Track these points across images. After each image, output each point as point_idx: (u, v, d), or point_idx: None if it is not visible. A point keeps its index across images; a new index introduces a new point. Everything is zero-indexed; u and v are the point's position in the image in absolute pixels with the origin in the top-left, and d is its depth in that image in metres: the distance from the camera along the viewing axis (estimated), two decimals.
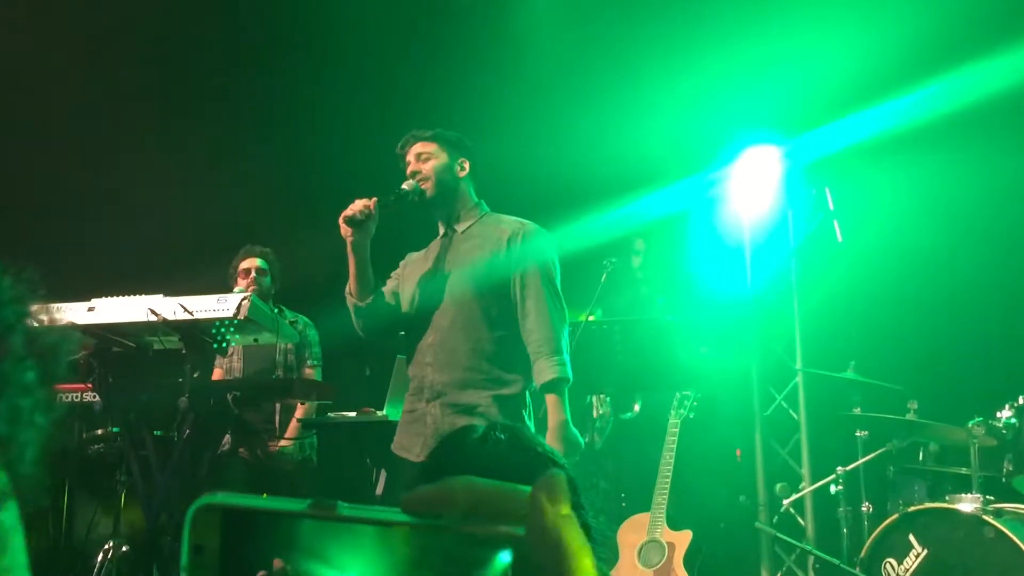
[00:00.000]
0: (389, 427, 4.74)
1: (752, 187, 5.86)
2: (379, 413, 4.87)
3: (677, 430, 4.80)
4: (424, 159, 3.28)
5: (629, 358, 5.24)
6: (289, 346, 4.89)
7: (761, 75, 5.41)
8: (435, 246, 3.37)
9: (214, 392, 3.82)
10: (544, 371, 3.11)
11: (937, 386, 4.84)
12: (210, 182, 6.04)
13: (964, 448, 4.28)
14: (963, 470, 4.34)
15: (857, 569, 4.11)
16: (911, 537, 4.00)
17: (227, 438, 4.63)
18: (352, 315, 3.31)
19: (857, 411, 4.79)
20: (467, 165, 3.33)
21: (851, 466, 4.77)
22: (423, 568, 0.54)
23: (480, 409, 3.07)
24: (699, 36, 5.51)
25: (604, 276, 4.93)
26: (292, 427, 4.89)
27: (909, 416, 4.44)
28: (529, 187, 6.02)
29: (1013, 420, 4.16)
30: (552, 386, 3.10)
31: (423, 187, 3.25)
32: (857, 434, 4.80)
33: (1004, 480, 4.21)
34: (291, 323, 4.91)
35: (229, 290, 4.78)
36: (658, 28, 5.61)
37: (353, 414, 4.89)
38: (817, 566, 4.93)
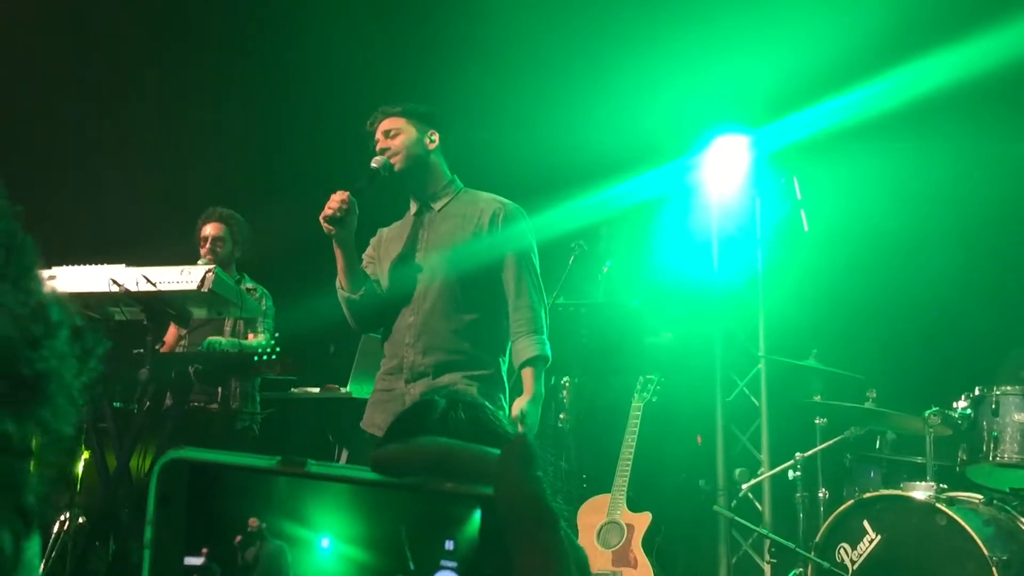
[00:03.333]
0: (353, 404, 4.75)
1: (720, 175, 5.89)
2: (343, 390, 4.86)
3: (640, 413, 4.83)
4: (393, 135, 3.25)
5: (594, 341, 5.26)
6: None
7: (729, 64, 5.43)
8: (409, 223, 3.34)
9: (176, 364, 3.79)
10: (525, 349, 3.16)
11: (896, 376, 4.92)
12: (177, 149, 5.97)
13: (920, 437, 4.35)
14: (918, 459, 4.42)
15: (812, 553, 4.17)
16: (865, 523, 4.06)
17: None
18: (345, 308, 3.28)
19: (817, 399, 4.85)
20: (436, 137, 3.29)
21: (809, 452, 4.83)
22: (395, 528, 0.54)
23: (458, 389, 3.07)
24: (667, 24, 5.51)
25: (572, 259, 4.94)
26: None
27: (868, 405, 4.51)
28: (499, 171, 6.00)
29: (968, 410, 4.23)
30: (532, 362, 3.15)
31: (392, 161, 3.22)
32: (816, 421, 4.86)
33: (958, 469, 4.28)
34: (249, 290, 4.86)
35: (196, 259, 4.69)
36: (627, 15, 5.61)
37: (317, 390, 4.88)
38: (773, 550, 5.00)
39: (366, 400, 4.77)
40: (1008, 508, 4.06)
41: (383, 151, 3.24)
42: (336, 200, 3.06)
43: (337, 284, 3.24)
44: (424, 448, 0.53)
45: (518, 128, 5.90)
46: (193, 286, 3.52)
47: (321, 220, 3.08)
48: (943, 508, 3.88)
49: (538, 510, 0.50)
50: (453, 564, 0.53)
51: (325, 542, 0.56)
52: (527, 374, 3.14)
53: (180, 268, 3.58)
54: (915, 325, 5.24)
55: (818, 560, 4.12)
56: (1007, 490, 4.20)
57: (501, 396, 3.21)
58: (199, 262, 4.68)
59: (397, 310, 3.23)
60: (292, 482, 0.55)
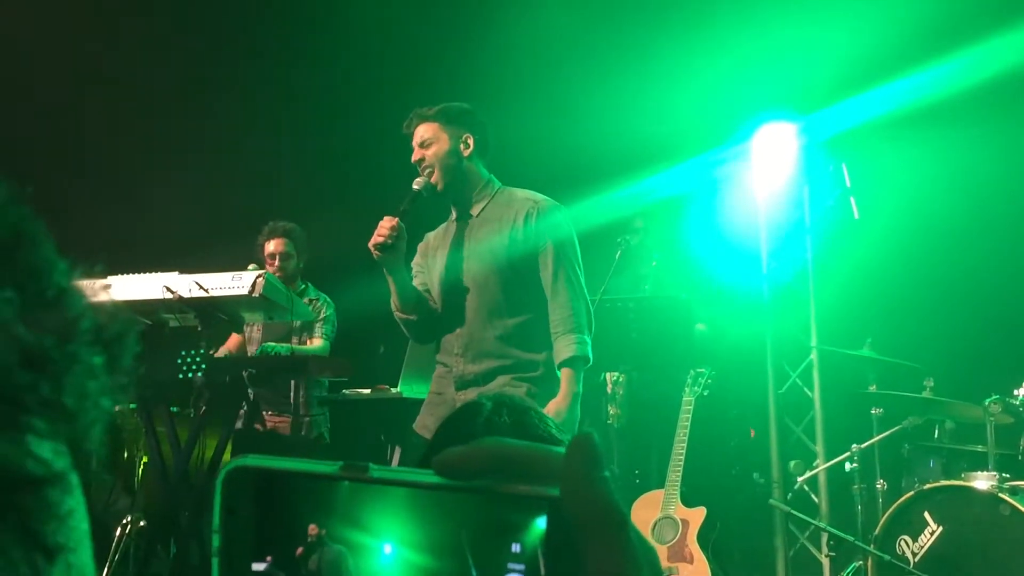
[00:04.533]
0: (403, 404, 4.78)
1: (768, 164, 5.82)
2: (393, 390, 4.90)
3: (691, 407, 4.79)
4: (427, 145, 3.21)
5: (644, 335, 5.23)
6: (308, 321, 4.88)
7: (777, 51, 5.36)
8: (451, 230, 3.33)
9: (229, 369, 3.84)
10: (562, 350, 3.11)
11: (953, 364, 4.82)
12: (228, 158, 6.05)
13: (980, 426, 4.26)
14: (979, 448, 4.33)
15: (872, 546, 4.11)
16: (926, 514, 3.99)
17: (242, 413, 4.65)
18: (404, 330, 3.32)
19: (873, 388, 4.77)
20: (472, 141, 3.24)
21: (866, 444, 4.75)
22: (459, 531, 0.54)
23: (504, 392, 3.05)
24: (715, 11, 5.46)
25: (618, 254, 4.92)
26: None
27: (925, 394, 4.43)
28: (542, 163, 6.01)
29: None
30: (569, 363, 3.10)
31: (432, 181, 3.20)
32: (872, 412, 4.78)
33: (1021, 458, 4.20)
34: (312, 301, 4.92)
35: (246, 264, 4.76)
36: (673, 3, 5.57)
37: (368, 391, 4.92)
38: (831, 543, 4.93)
39: (417, 400, 4.81)
40: None
41: (419, 163, 3.22)
42: (385, 228, 3.05)
43: (392, 306, 3.25)
44: (487, 449, 0.53)
45: (561, 117, 5.89)
46: (244, 291, 3.57)
47: (371, 247, 3.08)
48: (1006, 498, 3.80)
49: (606, 510, 0.49)
50: (520, 567, 0.52)
51: (388, 548, 0.55)
52: (564, 375, 3.10)
53: (231, 274, 3.63)
54: (972, 311, 5.13)
55: (879, 553, 4.05)
56: None
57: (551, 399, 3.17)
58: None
59: (446, 320, 3.24)
60: (354, 487, 0.55)
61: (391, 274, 3.14)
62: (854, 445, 4.76)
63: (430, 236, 3.43)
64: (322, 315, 4.95)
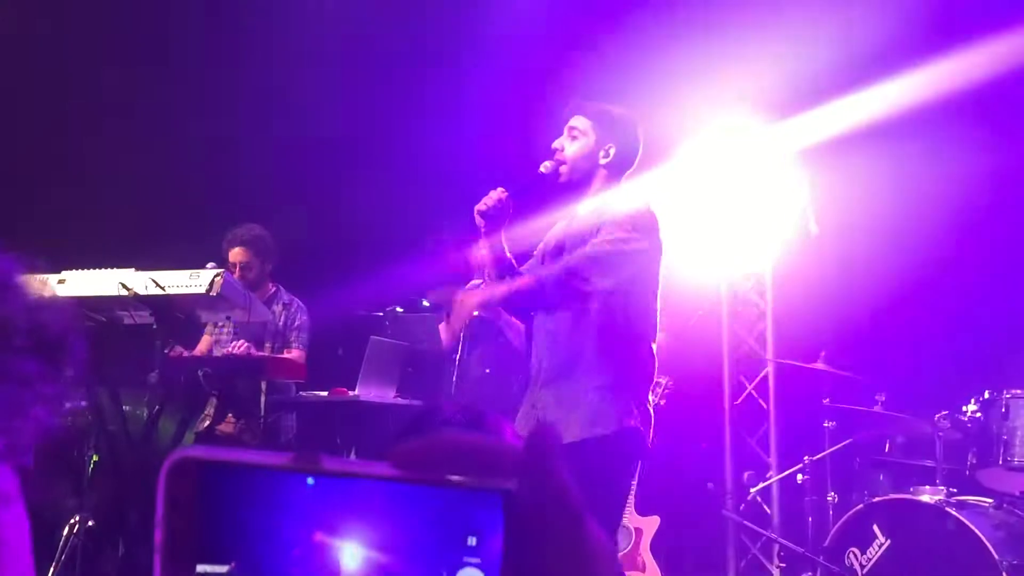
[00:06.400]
0: (361, 407, 4.76)
1: (729, 174, 5.87)
2: (351, 393, 4.87)
3: None
4: (572, 136, 3.19)
5: None
6: (280, 326, 4.82)
7: (742, 61, 5.42)
8: (558, 222, 3.34)
9: (184, 368, 3.79)
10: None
11: (905, 379, 4.90)
12: (189, 154, 5.98)
13: (930, 440, 4.34)
14: (928, 462, 4.41)
15: (821, 558, 4.16)
16: (875, 527, 4.05)
17: (208, 413, 4.60)
18: None
19: (826, 402, 4.84)
20: (612, 152, 3.18)
21: (818, 456, 4.81)
22: (414, 525, 0.54)
23: (581, 398, 3.00)
24: (676, 21, 5.52)
25: None
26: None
27: (877, 408, 4.50)
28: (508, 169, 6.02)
29: (978, 414, 4.22)
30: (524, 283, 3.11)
31: (560, 171, 3.17)
32: (825, 424, 4.85)
33: (968, 473, 4.27)
34: (286, 306, 4.87)
35: (205, 262, 4.70)
36: (642, 10, 5.63)
37: (325, 393, 4.88)
38: (782, 554, 4.99)
39: (374, 404, 4.79)
40: (1019, 512, 4.05)
41: (554, 151, 3.20)
42: (492, 196, 3.08)
43: (485, 274, 3.27)
44: (443, 441, 0.53)
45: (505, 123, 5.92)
46: (202, 290, 3.53)
47: (475, 212, 3.11)
48: (953, 512, 3.87)
49: (564, 503, 0.49)
50: (477, 560, 0.52)
51: (341, 541, 0.55)
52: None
53: (189, 272, 3.59)
54: (923, 329, 5.22)
55: (828, 564, 4.11)
56: (1017, 493, 4.18)
57: (632, 403, 3.05)
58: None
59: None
60: (304, 480, 0.54)
61: (486, 244, 3.15)
62: (806, 457, 4.83)
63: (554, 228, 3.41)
64: (296, 322, 4.88)
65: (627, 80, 5.60)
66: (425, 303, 5.41)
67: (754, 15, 5.35)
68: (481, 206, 3.08)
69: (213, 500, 0.53)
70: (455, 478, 0.52)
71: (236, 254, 4.80)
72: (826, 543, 4.19)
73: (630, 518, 4.56)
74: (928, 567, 3.92)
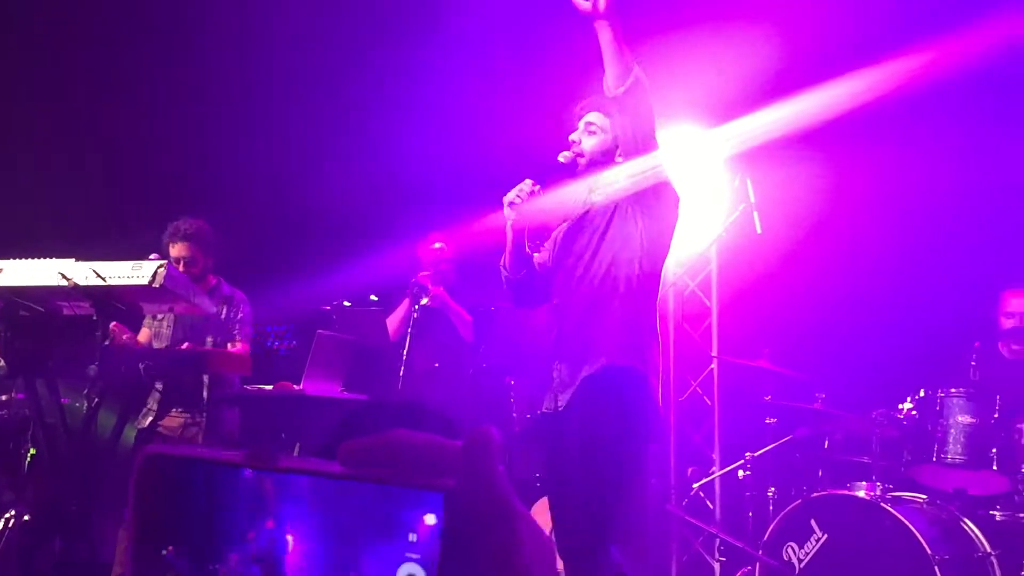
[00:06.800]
0: (306, 401, 4.71)
1: (674, 176, 5.91)
2: (297, 387, 4.83)
3: None
4: (590, 132, 3.31)
5: (547, 340, 5.26)
6: (221, 319, 4.76)
7: (683, 65, 5.47)
8: (574, 214, 3.41)
9: (126, 361, 3.73)
10: None
11: (845, 377, 5.00)
12: (132, 145, 5.88)
13: (867, 437, 4.44)
14: (865, 459, 4.51)
15: (760, 552, 4.23)
16: (812, 522, 4.13)
17: (151, 408, 4.52)
18: (505, 288, 3.41)
19: (768, 399, 4.92)
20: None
21: (759, 452, 4.90)
22: (360, 520, 0.55)
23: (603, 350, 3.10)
24: (632, 26, 5.55)
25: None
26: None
27: (817, 405, 4.59)
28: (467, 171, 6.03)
29: (914, 412, 4.32)
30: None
31: (579, 161, 3.29)
32: (767, 421, 4.93)
33: (903, 470, 4.37)
34: (228, 299, 4.80)
35: (148, 253, 4.61)
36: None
37: (270, 387, 4.84)
38: (722, 548, 5.07)
39: (320, 398, 4.75)
40: (951, 508, 4.16)
41: (575, 141, 3.30)
42: (523, 189, 3.18)
43: (501, 263, 3.36)
44: (388, 441, 0.53)
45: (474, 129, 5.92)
46: (144, 281, 3.46)
47: (505, 203, 3.19)
48: (887, 508, 3.96)
49: (500, 502, 0.50)
50: (417, 556, 0.53)
51: (291, 534, 0.56)
52: None
53: (131, 263, 3.52)
54: (863, 327, 5.33)
55: (766, 558, 4.18)
56: (950, 490, 4.29)
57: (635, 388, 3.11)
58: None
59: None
60: (257, 476, 0.56)
61: (511, 232, 3.26)
62: (748, 453, 4.90)
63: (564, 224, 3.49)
64: (239, 315, 4.82)
65: (576, 85, 5.64)
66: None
67: (701, 25, 5.42)
68: (514, 198, 3.17)
69: (179, 492, 0.55)
70: (399, 477, 0.53)
71: (179, 249, 4.73)
72: (765, 537, 4.27)
73: None
74: (863, 561, 4.01)
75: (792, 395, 4.93)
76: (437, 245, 5.58)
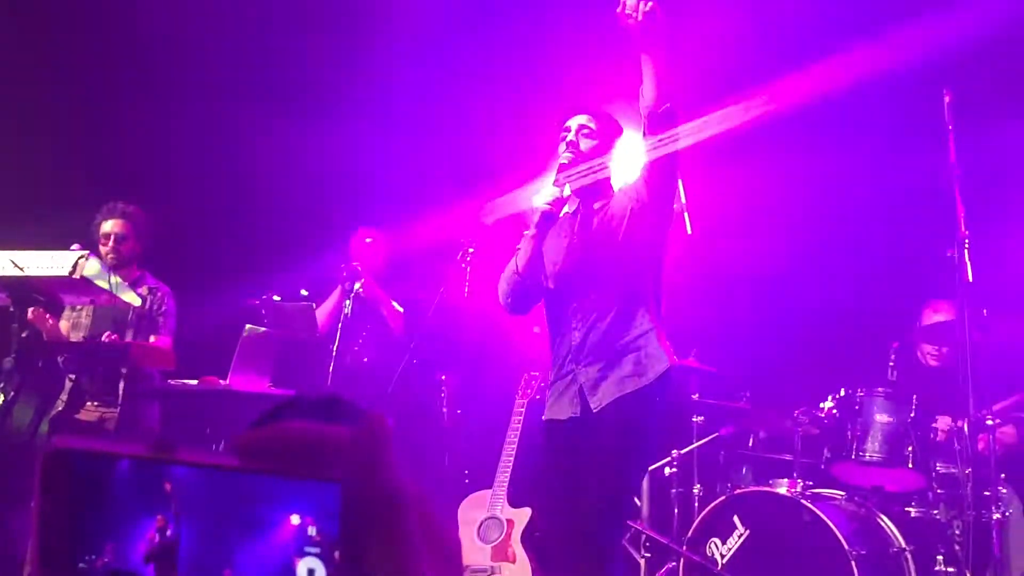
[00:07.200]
0: (233, 397, 4.65)
1: (607, 177, 5.97)
2: (223, 382, 4.76)
3: (523, 410, 4.88)
4: (584, 134, 3.45)
5: (481, 338, 5.28)
6: (144, 311, 4.65)
7: (614, 68, 5.52)
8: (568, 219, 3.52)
9: (43, 353, 3.63)
10: None
11: (769, 377, 5.10)
12: (48, 130, 5.71)
13: (790, 436, 4.54)
14: (787, 456, 4.61)
15: (684, 548, 4.29)
16: (735, 518, 4.21)
17: (63, 399, 4.41)
18: (510, 293, 3.43)
19: (695, 397, 5.00)
20: (616, 151, 3.56)
21: (685, 449, 4.97)
22: (258, 514, 0.54)
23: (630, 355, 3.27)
24: (552, 23, 5.60)
25: (463, 256, 4.96)
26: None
27: (742, 404, 4.68)
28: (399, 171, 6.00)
29: (834, 411, 4.43)
30: None
31: (570, 162, 3.41)
32: (694, 419, 5.01)
33: (823, 467, 4.48)
34: (152, 290, 4.70)
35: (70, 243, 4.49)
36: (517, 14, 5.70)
37: (195, 382, 4.76)
38: (648, 544, 5.12)
39: (246, 394, 4.69)
40: (868, 505, 4.27)
41: (570, 144, 3.43)
42: (554, 194, 3.28)
43: (514, 268, 3.39)
44: (283, 431, 0.53)
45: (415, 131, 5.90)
46: (64, 272, 3.38)
47: (536, 207, 3.28)
48: (807, 504, 4.05)
49: (390, 494, 0.50)
50: (316, 550, 0.53)
51: (186, 529, 0.55)
52: None
53: (51, 253, 3.44)
54: (787, 330, 5.43)
55: (690, 554, 4.25)
56: (868, 487, 4.41)
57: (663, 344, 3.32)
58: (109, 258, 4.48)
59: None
60: (161, 470, 0.55)
61: (537, 236, 3.35)
62: (674, 450, 4.97)
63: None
64: (163, 308, 4.72)
65: (511, 88, 5.66)
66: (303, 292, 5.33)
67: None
68: (544, 205, 3.26)
69: (81, 487, 0.54)
70: (297, 469, 0.53)
71: (113, 224, 4.63)
72: (689, 534, 4.33)
73: (503, 509, 4.61)
74: (783, 556, 4.09)
75: (718, 394, 5.02)
76: (368, 240, 5.54)
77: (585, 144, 3.43)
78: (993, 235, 4.57)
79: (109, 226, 4.63)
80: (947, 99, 3.89)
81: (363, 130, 5.95)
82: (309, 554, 0.53)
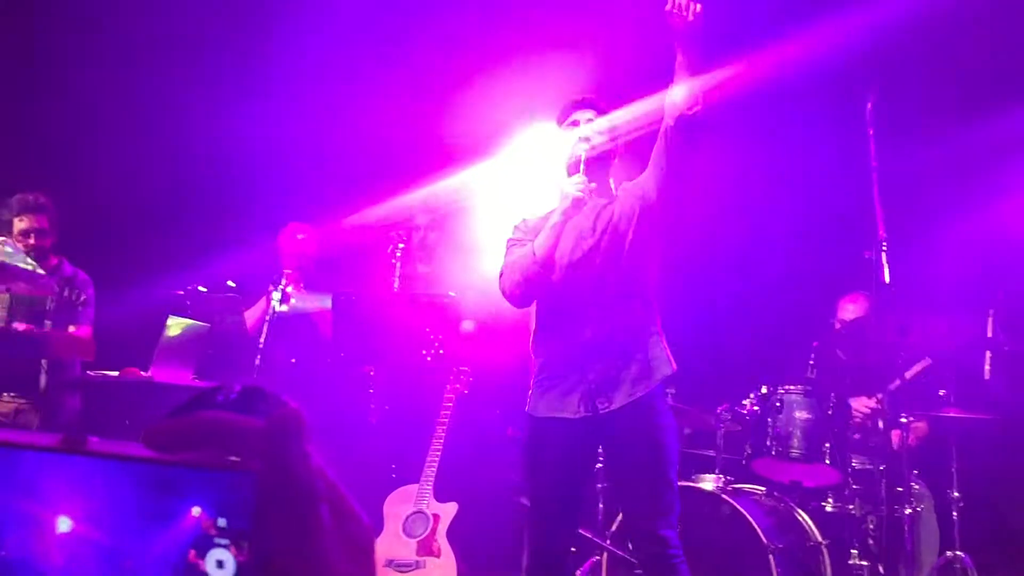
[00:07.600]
0: (154, 388, 4.56)
1: (544, 171, 5.98)
2: (144, 373, 4.67)
3: (451, 404, 4.88)
4: (596, 128, 3.46)
5: (409, 332, 5.26)
6: (63, 299, 4.52)
7: (545, 64, 5.54)
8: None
9: None
10: None
11: (693, 374, 5.18)
12: None
13: (713, 432, 4.63)
14: (710, 452, 4.69)
15: (607, 542, 4.34)
16: None
17: None
18: (524, 282, 3.35)
19: None
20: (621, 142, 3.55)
21: None
22: (169, 505, 0.54)
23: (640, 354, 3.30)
24: (491, 21, 5.61)
25: (396, 250, 4.95)
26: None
27: (668, 400, 4.73)
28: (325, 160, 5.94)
29: (756, 408, 4.53)
30: None
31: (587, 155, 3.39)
32: None
33: (744, 462, 4.57)
34: (70, 279, 4.58)
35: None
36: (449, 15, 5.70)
37: (115, 373, 4.66)
38: None
39: (168, 385, 4.60)
40: (787, 500, 4.38)
41: (579, 134, 3.43)
42: (585, 184, 3.24)
43: (536, 260, 3.29)
44: (197, 422, 0.53)
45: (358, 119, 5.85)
46: None
47: (570, 197, 3.22)
48: (728, 499, 4.13)
49: (298, 484, 0.50)
50: (226, 541, 0.53)
51: (93, 522, 0.55)
52: None
53: None
54: (712, 327, 5.53)
55: (613, 549, 4.30)
56: (786, 482, 4.51)
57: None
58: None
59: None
60: (71, 461, 0.54)
61: (559, 225, 3.27)
62: (601, 446, 5.01)
63: (531, 220, 3.57)
64: (82, 297, 4.59)
65: (448, 81, 5.65)
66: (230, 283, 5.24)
67: (576, 21, 5.50)
68: (576, 192, 3.22)
69: None
70: (208, 459, 0.52)
71: (30, 220, 4.49)
72: (613, 528, 4.38)
73: (429, 504, 4.61)
74: (705, 550, 4.16)
75: None
76: (300, 236, 5.48)
77: (598, 139, 3.44)
78: (913, 237, 4.71)
79: (26, 222, 4.49)
80: (869, 105, 4.01)
81: (291, 118, 5.88)
82: (219, 545, 0.53)
